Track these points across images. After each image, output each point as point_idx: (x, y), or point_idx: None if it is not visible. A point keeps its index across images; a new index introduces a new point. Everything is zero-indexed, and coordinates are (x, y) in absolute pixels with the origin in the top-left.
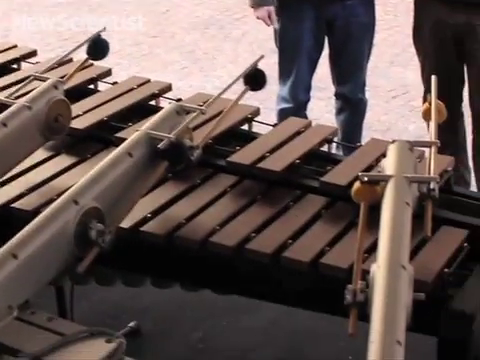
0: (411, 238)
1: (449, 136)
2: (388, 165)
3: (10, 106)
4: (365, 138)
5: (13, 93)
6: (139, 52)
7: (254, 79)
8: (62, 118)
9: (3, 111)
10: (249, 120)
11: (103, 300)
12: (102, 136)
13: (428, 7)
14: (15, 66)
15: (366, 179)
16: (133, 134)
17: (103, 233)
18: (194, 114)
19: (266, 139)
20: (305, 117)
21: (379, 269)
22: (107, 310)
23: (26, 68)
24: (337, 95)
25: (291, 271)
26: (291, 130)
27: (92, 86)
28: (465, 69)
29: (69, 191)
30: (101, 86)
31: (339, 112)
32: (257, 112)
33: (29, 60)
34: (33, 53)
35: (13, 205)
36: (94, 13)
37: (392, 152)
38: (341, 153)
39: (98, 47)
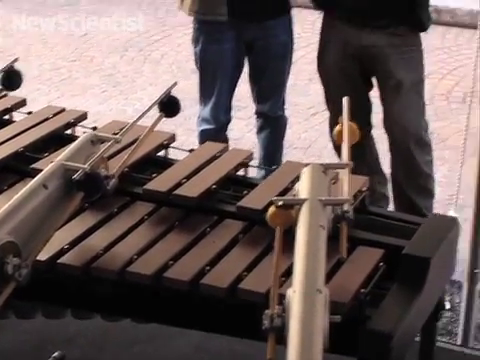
0: (327, 260)
1: (358, 160)
2: (302, 189)
3: None
4: (286, 156)
5: None
6: (58, 77)
7: (168, 106)
8: None
9: None
10: (165, 146)
11: (27, 330)
12: (18, 167)
13: (335, 30)
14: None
15: (281, 203)
16: (48, 165)
17: (19, 267)
18: (109, 143)
19: (182, 165)
20: (226, 137)
21: (295, 293)
22: (31, 340)
23: None
24: (257, 114)
25: (210, 298)
26: (207, 155)
27: (7, 117)
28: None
29: None
30: (16, 116)
31: (260, 130)
32: (173, 138)
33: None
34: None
35: None
36: (11, 38)
37: (306, 175)
38: (263, 172)
39: (12, 78)
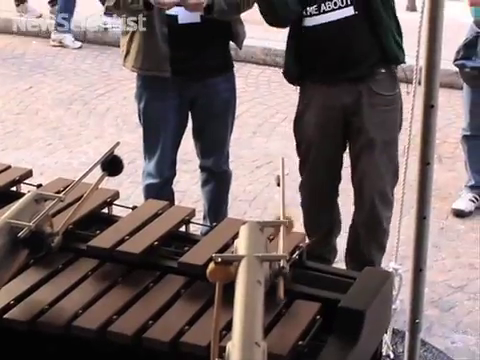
0: (266, 313)
1: (325, 217)
2: (240, 245)
3: None
4: (231, 209)
5: None
6: (3, 130)
7: (111, 165)
8: None
9: None
10: (109, 203)
11: None
12: None
13: (315, 92)
14: None
15: (220, 260)
16: None
17: None
18: (53, 202)
19: (126, 222)
20: (171, 191)
21: (234, 347)
22: None
23: None
24: (202, 168)
25: (153, 351)
26: (150, 212)
27: None
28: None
29: None
30: None
31: (205, 184)
32: (116, 195)
33: None
34: None
35: None
36: None
37: (243, 233)
38: (208, 226)
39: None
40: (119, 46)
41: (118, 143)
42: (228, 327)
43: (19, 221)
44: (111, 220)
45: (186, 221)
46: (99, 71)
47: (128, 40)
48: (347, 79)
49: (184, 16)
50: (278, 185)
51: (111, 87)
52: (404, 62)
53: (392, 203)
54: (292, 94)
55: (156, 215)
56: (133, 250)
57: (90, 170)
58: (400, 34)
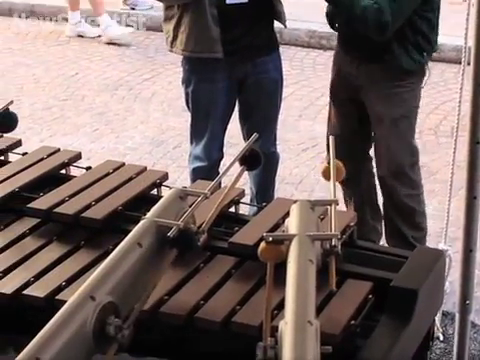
0: (317, 293)
1: (350, 190)
2: (291, 225)
3: None
4: (278, 191)
5: None
6: (50, 116)
7: (250, 160)
8: None
9: None
10: (158, 185)
11: None
12: (14, 207)
13: (336, 56)
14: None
15: (271, 239)
16: (140, 223)
17: (121, 328)
18: (199, 199)
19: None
20: (218, 174)
21: (286, 325)
22: None
23: None
24: None
25: (204, 331)
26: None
27: (2, 158)
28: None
29: (84, 287)
30: (11, 157)
31: None
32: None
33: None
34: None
35: None
36: (3, 79)
37: (295, 212)
38: (255, 209)
39: (7, 120)
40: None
41: (256, 136)
42: (280, 307)
43: (167, 220)
44: None
45: (236, 201)
46: (144, 56)
47: (175, 25)
48: (360, 56)
49: None
50: (328, 164)
51: (156, 72)
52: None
53: (413, 180)
54: None
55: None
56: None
57: (230, 166)
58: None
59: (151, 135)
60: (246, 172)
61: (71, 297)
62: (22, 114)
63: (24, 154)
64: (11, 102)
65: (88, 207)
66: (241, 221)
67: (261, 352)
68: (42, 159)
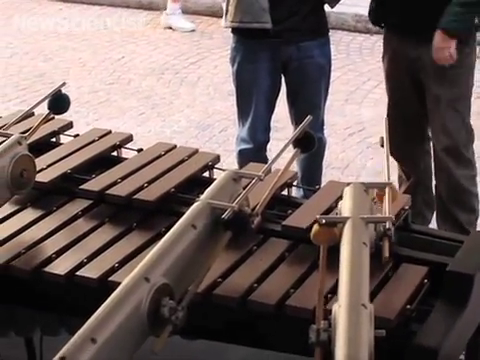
0: (372, 277)
1: (407, 171)
2: (345, 207)
3: None
4: (325, 176)
5: None
6: (97, 99)
7: (304, 142)
8: (27, 173)
9: None
10: (210, 167)
11: None
12: (66, 189)
13: (388, 38)
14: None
15: (324, 222)
16: (194, 205)
17: (175, 310)
18: (253, 181)
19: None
20: (265, 158)
21: (340, 308)
22: None
23: None
24: None
25: (258, 314)
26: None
27: (54, 139)
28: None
29: (139, 268)
30: (63, 139)
31: None
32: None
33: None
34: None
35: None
36: (49, 62)
37: (348, 194)
38: (302, 193)
39: (59, 102)
40: (210, 15)
41: (310, 118)
42: (333, 290)
43: (221, 202)
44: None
45: (289, 184)
46: (190, 40)
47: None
48: (417, 38)
49: None
50: (382, 146)
51: (202, 56)
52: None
53: (470, 162)
54: None
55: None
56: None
57: (284, 148)
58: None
59: (197, 119)
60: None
61: (126, 278)
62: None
63: (76, 136)
64: (63, 84)
65: (140, 189)
66: (294, 204)
67: (314, 335)
68: (93, 141)
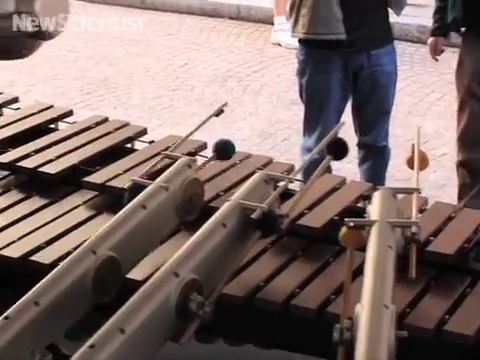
0: (451, 292)
1: None
2: (373, 211)
3: (145, 186)
4: None
5: (146, 172)
6: (160, 105)
7: (336, 148)
8: (196, 197)
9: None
10: None
11: None
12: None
13: (473, 46)
14: (53, 126)
15: (352, 224)
16: (224, 204)
17: (203, 305)
18: (283, 183)
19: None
20: (329, 167)
21: (363, 308)
22: None
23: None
24: (360, 145)
25: (299, 319)
26: (327, 186)
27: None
28: None
29: (169, 263)
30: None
31: (362, 162)
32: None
33: (66, 120)
34: (69, 113)
35: (31, 258)
36: (114, 67)
37: (376, 199)
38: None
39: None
40: (272, 23)
41: (343, 123)
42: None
43: (252, 202)
44: (288, 194)
45: (365, 197)
46: (253, 48)
47: (296, 9)
48: None
49: None
50: (412, 152)
51: (265, 64)
52: None
53: None
54: (448, 73)
55: (334, 190)
56: (313, 224)
57: (315, 151)
58: None
59: (260, 127)
60: (355, 167)
61: (156, 273)
62: (132, 103)
63: (150, 143)
64: (225, 104)
65: None
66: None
67: (337, 333)
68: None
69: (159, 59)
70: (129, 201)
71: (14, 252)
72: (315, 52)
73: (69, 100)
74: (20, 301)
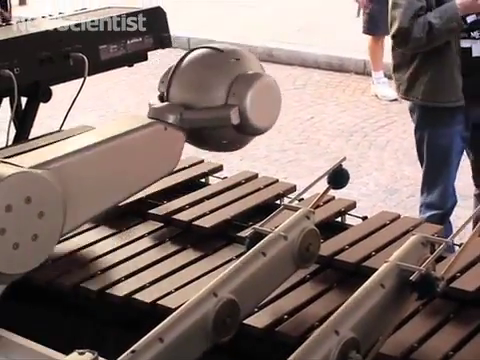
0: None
1: None
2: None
3: (265, 235)
4: None
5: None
6: (285, 158)
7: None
8: (312, 247)
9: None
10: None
11: None
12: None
13: None
14: (203, 180)
15: None
16: (383, 265)
17: None
18: (441, 246)
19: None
20: (449, 222)
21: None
22: None
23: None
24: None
25: None
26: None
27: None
28: None
29: (329, 321)
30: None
31: None
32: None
33: (216, 175)
34: (219, 168)
35: (159, 302)
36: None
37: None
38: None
39: (339, 177)
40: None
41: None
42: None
43: (410, 265)
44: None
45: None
46: (378, 103)
47: (411, 74)
48: None
49: (477, 49)
50: None
51: (391, 120)
52: None
53: None
54: None
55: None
56: (467, 287)
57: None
58: None
59: (385, 183)
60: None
61: (316, 330)
62: (258, 155)
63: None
64: (344, 159)
65: None
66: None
67: None
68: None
69: (286, 112)
70: (249, 248)
71: (171, 303)
72: (433, 113)
73: (194, 152)
74: (146, 336)
